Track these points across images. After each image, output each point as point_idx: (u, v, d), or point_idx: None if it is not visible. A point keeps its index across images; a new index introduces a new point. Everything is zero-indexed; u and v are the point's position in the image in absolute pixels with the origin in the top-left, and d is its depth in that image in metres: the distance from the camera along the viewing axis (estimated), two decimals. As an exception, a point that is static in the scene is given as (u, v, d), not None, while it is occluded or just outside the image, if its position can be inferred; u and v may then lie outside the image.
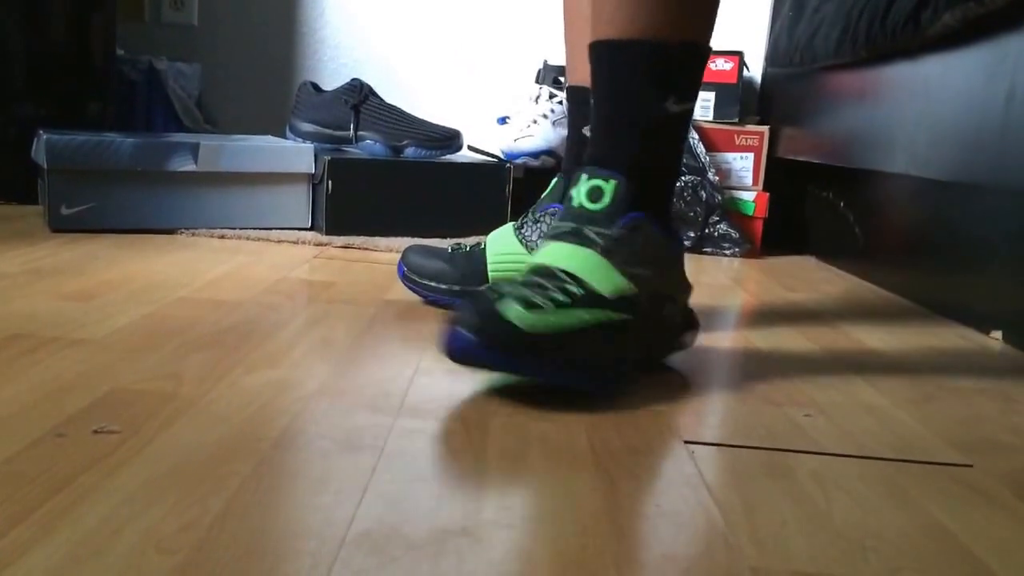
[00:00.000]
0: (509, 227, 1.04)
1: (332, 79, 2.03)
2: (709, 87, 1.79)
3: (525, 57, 2.04)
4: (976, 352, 1.03)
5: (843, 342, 1.03)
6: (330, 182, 1.47)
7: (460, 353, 0.71)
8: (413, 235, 1.51)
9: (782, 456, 0.65)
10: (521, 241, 1.02)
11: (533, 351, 0.71)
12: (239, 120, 2.05)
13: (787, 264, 1.63)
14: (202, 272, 1.15)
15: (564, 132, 1.08)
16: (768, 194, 1.73)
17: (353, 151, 1.60)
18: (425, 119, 1.68)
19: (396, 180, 1.52)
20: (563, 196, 1.01)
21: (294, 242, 1.42)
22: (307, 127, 1.62)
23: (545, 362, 0.72)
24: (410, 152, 1.58)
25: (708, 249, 1.68)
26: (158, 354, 0.78)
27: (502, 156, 1.63)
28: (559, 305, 0.73)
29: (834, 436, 0.70)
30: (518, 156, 1.62)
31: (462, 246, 1.05)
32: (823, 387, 0.84)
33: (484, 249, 1.03)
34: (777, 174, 1.80)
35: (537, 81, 1.73)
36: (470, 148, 1.67)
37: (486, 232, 1.47)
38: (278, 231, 1.47)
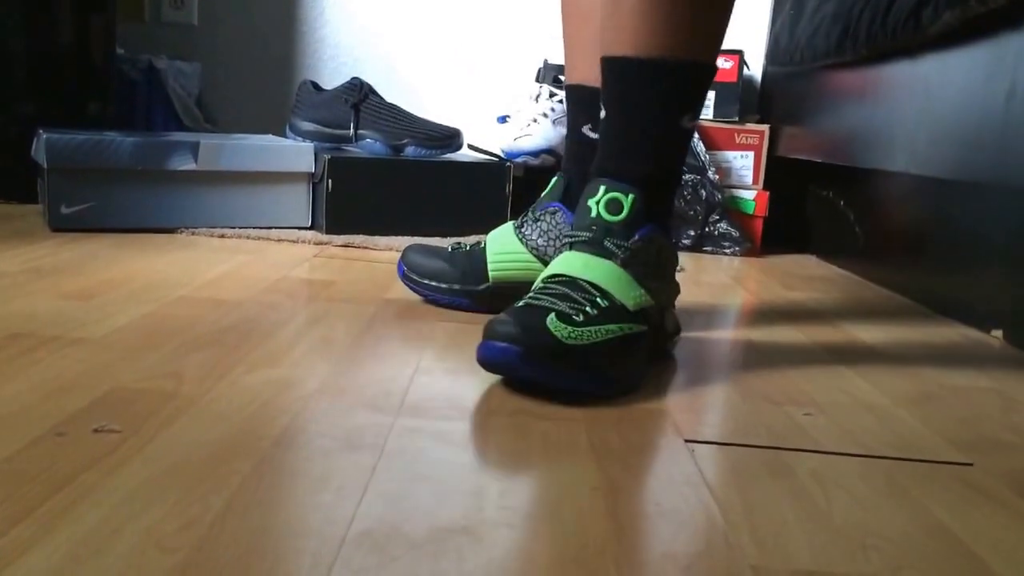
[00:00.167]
0: (509, 226, 1.04)
1: (332, 78, 2.03)
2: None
3: (525, 56, 2.04)
4: (976, 351, 1.03)
5: (843, 341, 1.03)
6: (330, 181, 1.47)
7: (500, 364, 0.73)
8: (413, 234, 1.51)
9: (782, 455, 0.65)
10: (521, 240, 1.02)
11: (571, 363, 0.73)
12: (239, 119, 2.05)
13: (787, 263, 1.63)
14: (202, 271, 1.15)
15: (564, 131, 1.08)
16: (768, 193, 1.73)
17: (353, 150, 1.59)
18: (425, 118, 1.68)
19: (396, 179, 1.52)
20: (563, 195, 1.01)
21: (294, 241, 1.42)
22: (307, 126, 1.62)
23: (579, 374, 0.74)
24: (410, 151, 1.58)
25: (708, 248, 1.68)
26: (158, 353, 0.78)
27: (502, 155, 1.63)
28: (591, 318, 0.75)
29: (835, 435, 0.70)
30: (518, 155, 1.62)
31: (462, 245, 1.05)
32: (823, 386, 0.84)
33: (484, 248, 1.03)
34: (777, 173, 1.80)
35: (537, 80, 1.73)
36: (470, 147, 1.67)
37: (486, 231, 1.47)
38: (278, 230, 1.47)
